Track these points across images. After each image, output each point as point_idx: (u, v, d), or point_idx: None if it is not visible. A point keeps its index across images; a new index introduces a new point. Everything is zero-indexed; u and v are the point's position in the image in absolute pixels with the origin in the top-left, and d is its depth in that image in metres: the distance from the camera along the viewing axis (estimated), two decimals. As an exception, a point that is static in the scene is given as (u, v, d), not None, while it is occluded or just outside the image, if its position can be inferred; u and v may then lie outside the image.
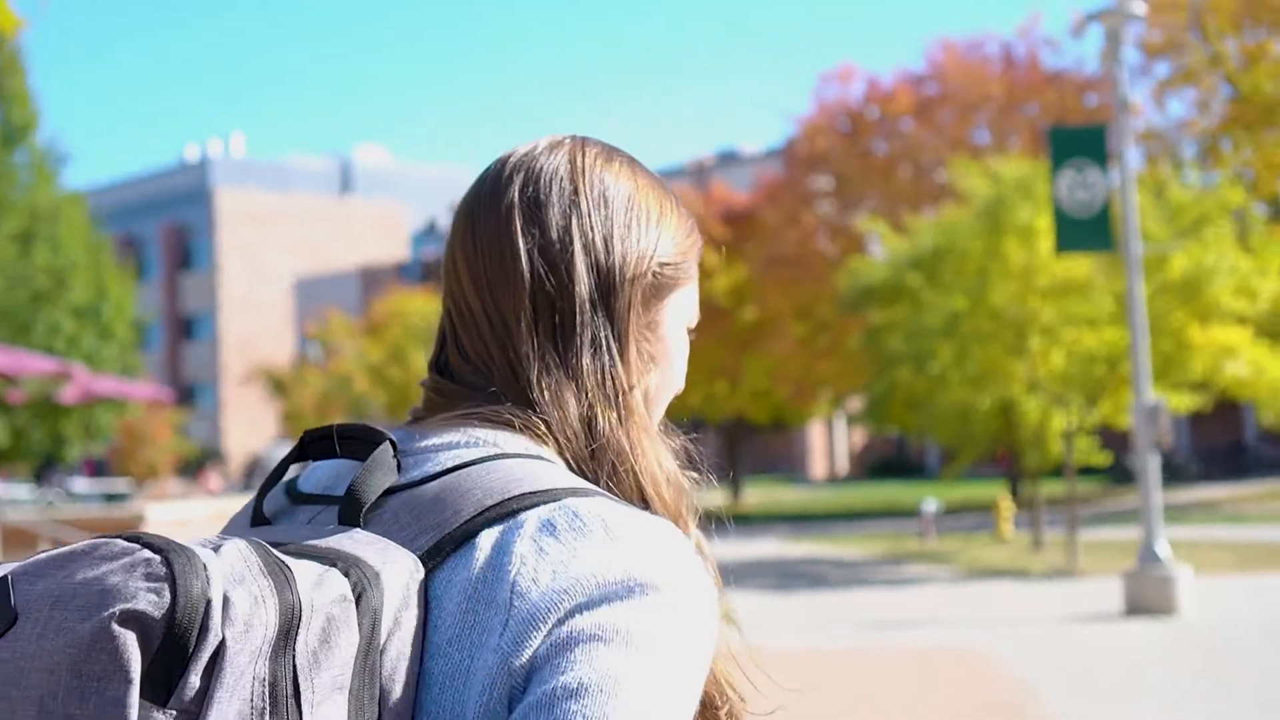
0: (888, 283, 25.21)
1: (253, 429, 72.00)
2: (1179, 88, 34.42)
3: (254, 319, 74.93)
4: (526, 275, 1.31)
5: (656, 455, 1.34)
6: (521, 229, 1.32)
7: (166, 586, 0.99)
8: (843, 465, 63.66)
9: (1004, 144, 35.75)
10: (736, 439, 47.45)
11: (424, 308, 44.46)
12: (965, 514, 35.33)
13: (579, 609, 1.12)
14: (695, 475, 1.41)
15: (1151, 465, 16.31)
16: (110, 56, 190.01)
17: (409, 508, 1.20)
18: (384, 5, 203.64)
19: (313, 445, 1.30)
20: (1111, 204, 16.64)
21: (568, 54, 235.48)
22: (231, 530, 1.30)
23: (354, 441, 1.27)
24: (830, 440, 63.42)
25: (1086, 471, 36.71)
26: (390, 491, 1.22)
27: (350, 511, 1.20)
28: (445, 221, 76.83)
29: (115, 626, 0.98)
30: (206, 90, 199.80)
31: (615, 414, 1.32)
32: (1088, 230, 16.46)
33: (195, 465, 57.90)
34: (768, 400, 42.59)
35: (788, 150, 41.56)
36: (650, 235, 1.37)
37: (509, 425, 1.28)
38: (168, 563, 1.01)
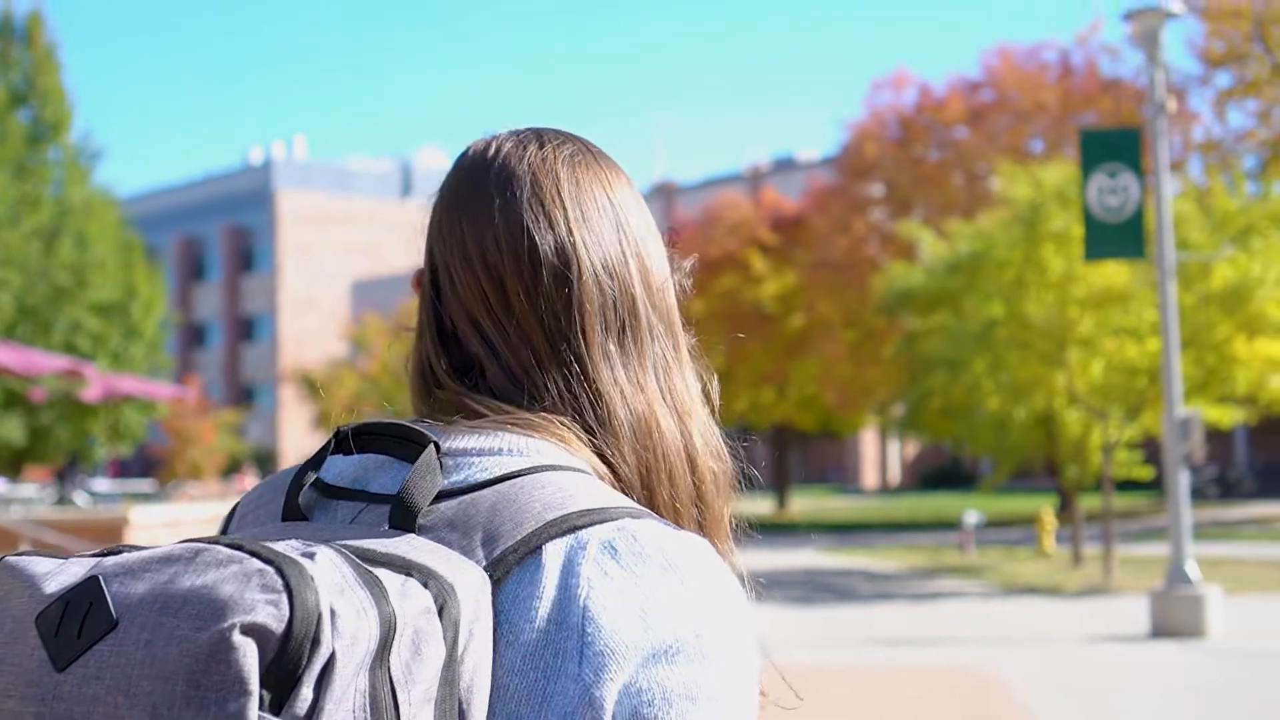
0: (925, 289, 24.68)
1: (308, 430, 72.20)
2: (1240, 98, 33.63)
3: (311, 321, 75.13)
4: (580, 289, 1.31)
5: (716, 455, 1.37)
6: (582, 244, 1.32)
7: (284, 598, 0.99)
8: (895, 475, 62.98)
9: (1059, 153, 35.02)
10: (784, 446, 46.98)
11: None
12: (1013, 527, 34.76)
13: (660, 656, 1.14)
14: (739, 479, 1.43)
15: (1181, 481, 15.74)
16: (178, 61, 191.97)
17: (464, 515, 1.19)
18: (447, 9, 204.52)
19: (347, 440, 1.26)
20: (1145, 210, 16.05)
21: (629, 59, 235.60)
22: (254, 520, 1.31)
23: (383, 438, 1.25)
24: (883, 450, 62.75)
25: (1136, 486, 35.98)
26: (436, 497, 1.21)
27: (404, 516, 1.18)
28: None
29: (236, 637, 0.97)
30: (270, 94, 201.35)
31: (676, 419, 1.34)
32: (1118, 236, 15.85)
33: (237, 467, 57.93)
34: (815, 407, 42.15)
35: (840, 157, 41.14)
36: (658, 232, 1.41)
37: (546, 433, 1.27)
38: (282, 574, 1.00)
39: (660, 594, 1.16)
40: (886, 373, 34.51)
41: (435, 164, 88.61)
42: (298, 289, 75.37)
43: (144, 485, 35.90)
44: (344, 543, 1.11)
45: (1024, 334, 21.66)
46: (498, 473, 1.22)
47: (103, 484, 34.13)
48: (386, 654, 1.04)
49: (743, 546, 1.42)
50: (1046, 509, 27.54)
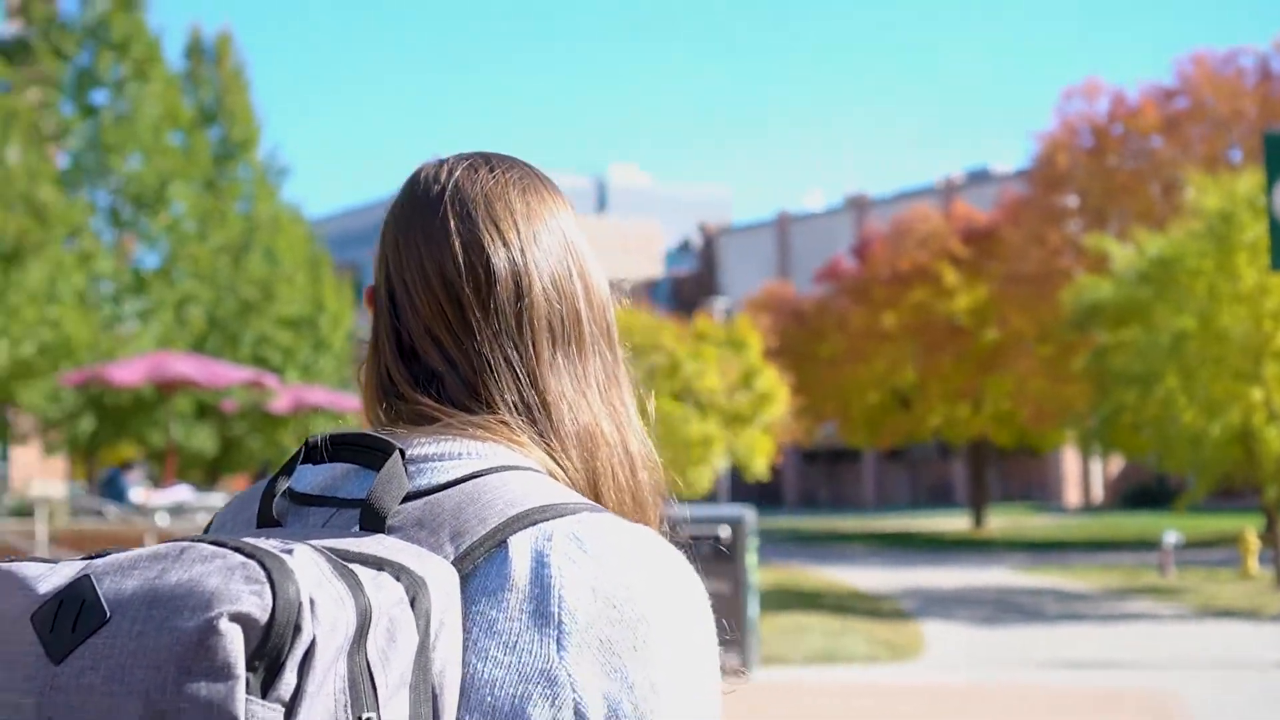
0: (1113, 301, 24.03)
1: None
2: None
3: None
4: (531, 305, 1.39)
5: (650, 463, 1.44)
6: (534, 262, 1.40)
7: (267, 589, 1.05)
8: (1098, 493, 61.41)
9: (1257, 162, 33.90)
10: (981, 463, 46.10)
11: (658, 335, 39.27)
12: (1218, 548, 33.64)
13: (637, 643, 1.20)
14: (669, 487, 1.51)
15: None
16: (373, 81, 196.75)
17: (431, 514, 1.25)
18: (640, 31, 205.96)
19: (314, 450, 1.32)
20: (1337, 218, 15.39)
21: (822, 73, 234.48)
22: (230, 530, 1.36)
23: (352, 448, 1.31)
24: (1085, 467, 61.22)
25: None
26: (403, 498, 1.28)
27: (373, 518, 1.24)
28: (698, 241, 76.96)
29: (224, 624, 1.04)
30: (461, 111, 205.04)
31: (615, 428, 1.41)
32: (1306, 246, 15.22)
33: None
34: (1011, 423, 41.33)
35: (1033, 168, 40.32)
36: (594, 254, 1.48)
37: (501, 438, 1.34)
38: (264, 567, 1.07)
39: (628, 581, 1.23)
40: (1082, 388, 33.69)
41: (630, 180, 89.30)
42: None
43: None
44: (318, 542, 1.17)
45: (1217, 348, 20.95)
46: (459, 474, 1.29)
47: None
48: (363, 641, 1.10)
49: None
50: (1250, 529, 26.58)
